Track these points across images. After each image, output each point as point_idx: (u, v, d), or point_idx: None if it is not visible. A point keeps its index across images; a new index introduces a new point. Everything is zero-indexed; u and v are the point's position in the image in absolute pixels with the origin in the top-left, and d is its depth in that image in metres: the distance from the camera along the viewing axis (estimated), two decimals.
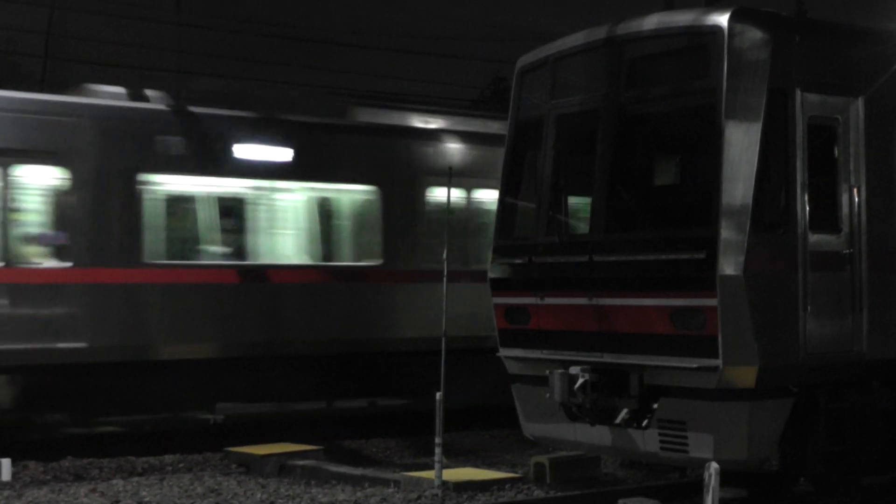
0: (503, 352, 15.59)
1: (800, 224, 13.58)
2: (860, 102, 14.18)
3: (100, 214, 19.54)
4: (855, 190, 14.09)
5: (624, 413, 14.16)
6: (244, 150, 20.92)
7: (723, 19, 13.57)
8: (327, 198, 22.10)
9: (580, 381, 14.17)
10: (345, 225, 22.21)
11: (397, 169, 22.40)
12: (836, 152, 14.08)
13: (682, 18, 14.23)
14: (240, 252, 20.99)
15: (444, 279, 16.07)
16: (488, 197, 22.22)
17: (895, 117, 14.48)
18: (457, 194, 21.45)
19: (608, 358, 14.18)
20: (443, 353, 15.90)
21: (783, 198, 13.56)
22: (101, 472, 17.98)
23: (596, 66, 14.81)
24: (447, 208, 16.71)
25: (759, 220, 13.23)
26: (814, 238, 13.70)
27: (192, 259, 20.58)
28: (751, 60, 13.48)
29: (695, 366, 13.30)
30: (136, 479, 17.22)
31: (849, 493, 14.72)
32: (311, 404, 23.36)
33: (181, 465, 18.64)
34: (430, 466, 16.04)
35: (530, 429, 15.52)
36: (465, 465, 17.46)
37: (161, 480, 16.92)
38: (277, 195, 21.35)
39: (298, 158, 21.41)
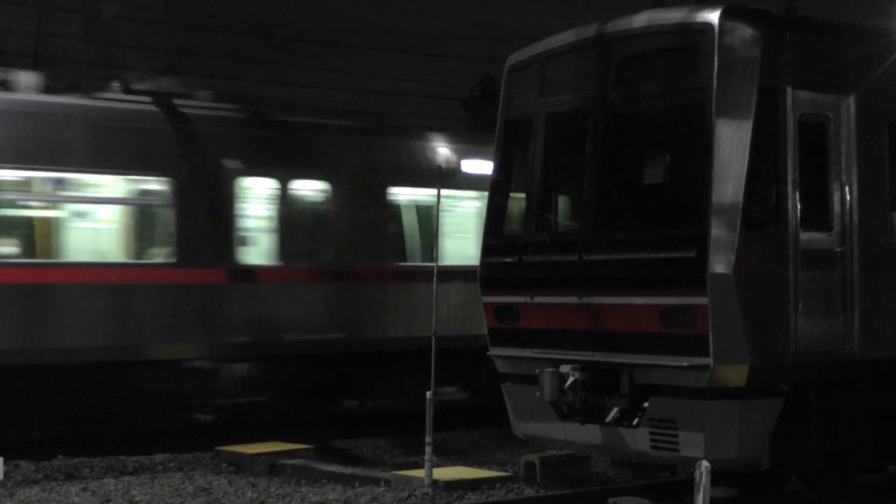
0: (493, 351, 15.56)
1: (791, 222, 13.56)
2: (851, 100, 14.16)
3: None
4: (846, 188, 14.07)
5: (614, 412, 14.14)
6: None
7: (713, 17, 13.55)
8: None
9: (570, 379, 14.16)
10: None
11: None
12: (827, 150, 14.06)
13: (671, 16, 14.20)
14: None
15: (435, 279, 16.02)
16: None
17: (886, 114, 14.48)
18: None
19: (598, 357, 14.16)
20: (433, 351, 15.84)
21: (774, 196, 13.54)
22: (93, 471, 17.93)
23: (585, 65, 14.78)
24: (437, 210, 16.63)
25: (750, 218, 13.21)
26: (805, 236, 13.68)
27: None
28: (741, 58, 13.46)
29: (685, 364, 13.28)
30: (126, 478, 17.20)
31: (840, 492, 14.73)
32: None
33: (172, 464, 18.60)
34: (420, 465, 16.02)
35: (520, 428, 15.50)
36: (455, 464, 17.41)
37: (152, 479, 16.90)
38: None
39: None
